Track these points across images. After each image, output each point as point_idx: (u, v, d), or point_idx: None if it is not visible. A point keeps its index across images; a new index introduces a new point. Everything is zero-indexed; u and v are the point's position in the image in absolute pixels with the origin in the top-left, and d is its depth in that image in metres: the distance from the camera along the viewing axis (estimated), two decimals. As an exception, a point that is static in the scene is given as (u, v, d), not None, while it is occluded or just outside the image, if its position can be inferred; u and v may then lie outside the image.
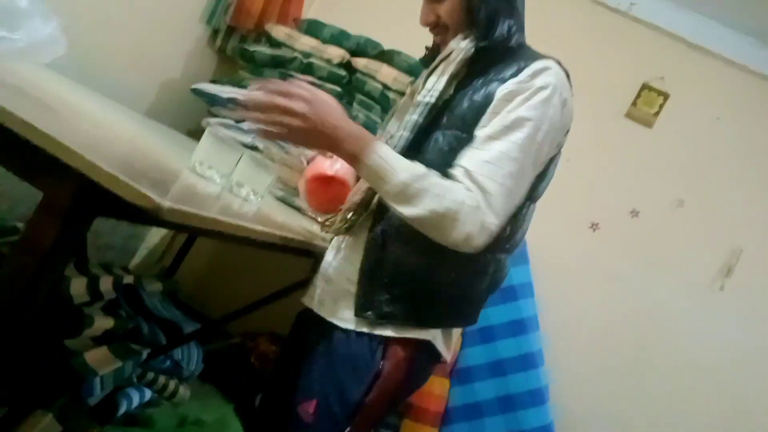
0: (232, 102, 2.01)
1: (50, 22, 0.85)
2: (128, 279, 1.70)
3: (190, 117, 2.24)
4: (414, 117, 1.01)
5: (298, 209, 1.78)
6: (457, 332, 1.14)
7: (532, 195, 1.03)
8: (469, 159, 0.93)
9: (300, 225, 1.39)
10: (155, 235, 2.34)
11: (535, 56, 0.99)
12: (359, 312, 1.01)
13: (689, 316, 2.25)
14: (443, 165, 0.94)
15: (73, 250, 0.69)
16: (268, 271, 2.03)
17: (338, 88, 2.09)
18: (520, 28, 1.05)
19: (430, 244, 0.92)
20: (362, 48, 2.14)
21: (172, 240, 2.34)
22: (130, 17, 1.88)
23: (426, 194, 0.88)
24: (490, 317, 2.11)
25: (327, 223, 1.11)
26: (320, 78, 2.08)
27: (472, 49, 1.02)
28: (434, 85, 1.02)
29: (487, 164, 0.91)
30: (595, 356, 2.28)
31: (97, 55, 1.80)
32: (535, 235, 2.20)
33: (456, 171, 0.93)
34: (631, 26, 2.39)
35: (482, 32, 1.02)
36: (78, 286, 1.41)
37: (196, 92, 2.10)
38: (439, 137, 0.99)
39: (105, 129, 1.06)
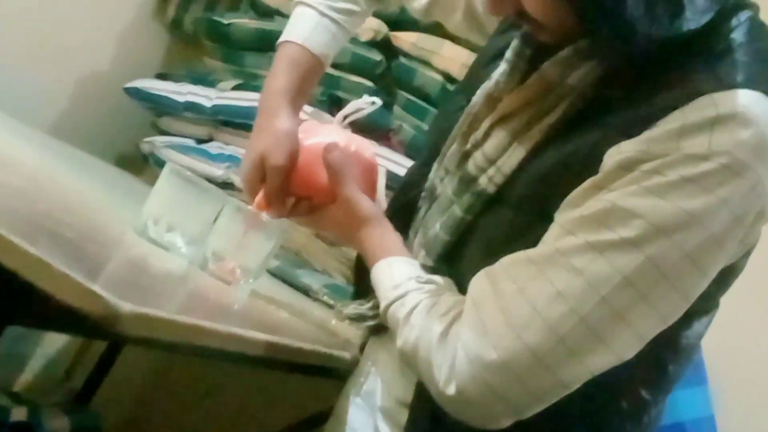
0: (193, 109, 1.58)
1: None
2: (18, 413, 1.41)
3: (121, 136, 1.81)
4: (457, 212, 0.77)
5: (305, 291, 1.36)
6: None
7: (690, 317, 0.75)
8: (511, 256, 0.71)
9: (311, 319, 1.20)
10: (57, 335, 1.71)
11: (717, 73, 0.64)
12: None
13: None
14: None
15: None
16: (252, 404, 1.58)
17: (369, 82, 1.55)
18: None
19: None
20: (409, 16, 1.57)
21: (87, 343, 1.73)
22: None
23: (398, 323, 0.76)
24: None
25: (351, 312, 0.91)
26: (339, 67, 1.53)
27: (590, 80, 0.71)
28: (501, 158, 0.75)
29: (527, 264, 0.68)
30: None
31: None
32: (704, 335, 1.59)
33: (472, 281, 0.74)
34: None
35: (603, 34, 0.67)
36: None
37: (133, 93, 1.69)
38: (493, 219, 0.76)
39: (9, 173, 0.91)
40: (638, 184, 0.64)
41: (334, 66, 1.40)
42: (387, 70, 1.54)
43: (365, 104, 0.97)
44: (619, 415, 0.78)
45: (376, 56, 1.51)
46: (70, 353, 1.75)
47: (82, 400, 1.64)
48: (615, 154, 0.66)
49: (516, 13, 0.71)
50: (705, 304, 0.77)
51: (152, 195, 0.95)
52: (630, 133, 0.65)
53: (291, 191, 0.90)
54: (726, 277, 0.76)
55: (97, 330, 0.51)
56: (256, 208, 0.90)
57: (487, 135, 0.78)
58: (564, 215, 0.68)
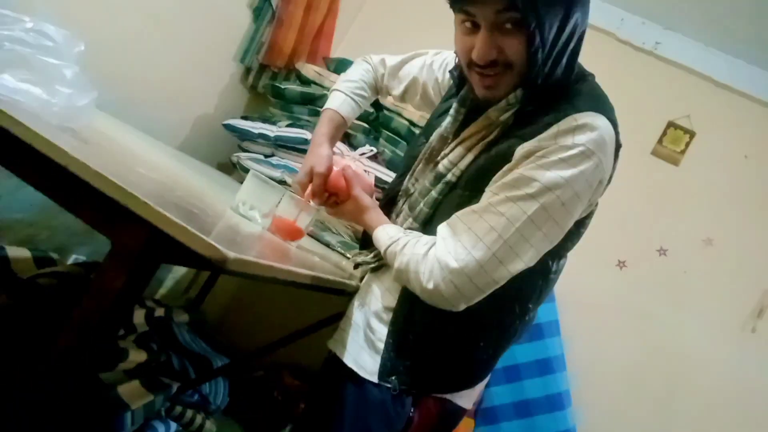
0: (263, 137, 2.07)
1: (89, 95, 0.90)
2: (159, 312, 1.73)
3: (220, 151, 2.29)
4: (434, 195, 1.02)
5: (327, 245, 1.81)
6: (482, 382, 1.13)
7: (559, 253, 1.01)
8: (462, 210, 0.93)
9: (331, 261, 1.41)
10: (183, 267, 2.33)
11: (575, 106, 0.90)
12: (383, 377, 1.01)
13: (720, 358, 2.21)
14: None
15: (140, 293, 0.70)
16: (295, 305, 2.03)
17: (365, 125, 2.12)
18: (573, 66, 0.95)
19: (464, 310, 0.93)
20: (388, 91, 2.15)
21: (199, 271, 2.35)
22: (169, 56, 1.94)
23: (395, 255, 0.96)
24: (516, 355, 2.09)
25: (358, 259, 1.14)
26: None
27: (512, 118, 0.96)
28: (459, 162, 1.00)
29: (471, 213, 0.91)
30: (624, 397, 2.23)
31: (136, 90, 1.86)
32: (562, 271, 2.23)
33: (440, 226, 0.95)
34: (657, 65, 2.41)
35: (530, 89, 0.93)
36: (114, 319, 1.42)
37: (228, 127, 2.17)
38: (453, 196, 1.00)
39: (157, 171, 1.10)
40: (534, 163, 0.87)
41: (346, 115, 2.09)
42: (376, 118, 2.12)
43: (368, 150, 1.55)
44: (512, 314, 1.02)
45: (370, 110, 2.07)
46: (188, 277, 2.38)
47: (196, 304, 2.26)
48: (520, 149, 0.90)
49: (492, 63, 0.92)
50: (563, 251, 1.04)
51: (242, 187, 1.22)
52: (529, 138, 0.90)
53: (326, 190, 1.18)
54: (578, 229, 1.02)
55: (212, 266, 0.62)
56: (305, 199, 1.18)
57: (451, 150, 1.02)
58: (492, 186, 0.91)
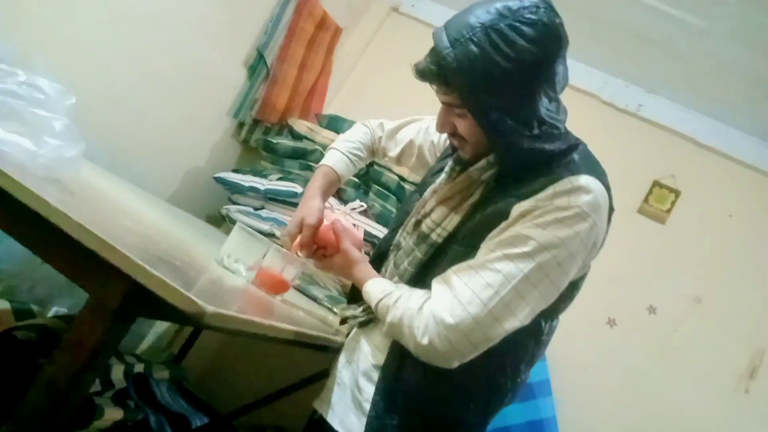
0: (253, 190, 2.08)
1: (77, 146, 0.91)
2: (138, 367, 1.68)
3: (210, 204, 2.29)
4: (418, 255, 1.02)
5: (314, 299, 1.79)
6: None
7: (551, 314, 1.01)
8: (458, 265, 0.93)
9: (317, 316, 1.40)
10: (164, 322, 2.27)
11: (570, 169, 0.92)
12: None
13: (714, 419, 2.15)
14: None
15: (114, 350, 0.68)
16: (280, 362, 2.01)
17: (356, 179, 2.14)
18: (552, 136, 0.94)
19: (456, 370, 0.92)
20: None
21: (182, 326, 2.31)
22: (163, 110, 1.96)
23: (388, 308, 0.95)
24: (507, 417, 2.02)
25: (347, 313, 1.12)
26: None
27: (493, 177, 0.98)
28: (443, 222, 1.00)
29: (468, 268, 0.91)
30: (618, 461, 2.15)
31: (129, 143, 1.88)
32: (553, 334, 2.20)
33: (434, 280, 0.95)
34: (641, 126, 2.47)
35: (501, 157, 0.96)
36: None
37: (219, 180, 2.18)
38: (449, 252, 0.99)
39: (143, 224, 1.10)
40: (531, 222, 0.88)
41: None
42: (366, 173, 2.14)
43: (358, 206, 1.59)
44: (504, 375, 1.01)
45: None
46: (170, 332, 2.34)
47: (177, 360, 2.19)
48: (517, 208, 0.90)
49: (451, 134, 0.99)
50: (555, 312, 1.02)
51: (228, 240, 1.22)
52: (526, 198, 0.90)
53: (315, 243, 1.17)
54: (571, 291, 1.01)
55: (190, 321, 0.62)
56: (293, 250, 1.17)
57: (431, 210, 1.03)
58: (488, 243, 0.91)
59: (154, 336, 2.30)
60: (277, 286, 1.21)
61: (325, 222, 1.19)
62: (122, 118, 1.82)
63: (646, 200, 2.41)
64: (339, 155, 1.32)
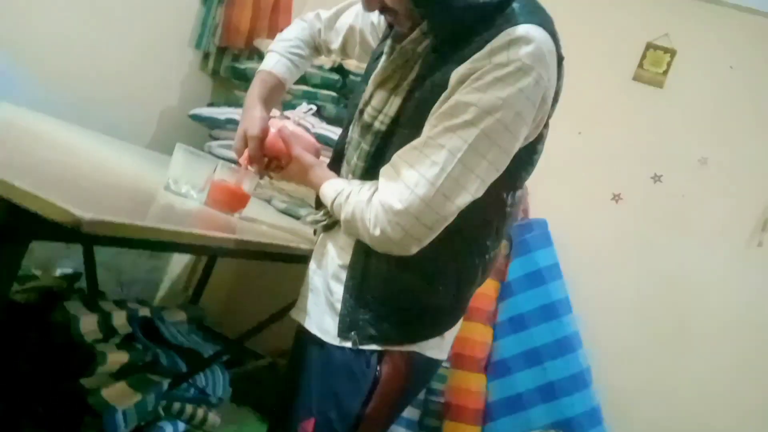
0: (231, 122, 2.02)
1: None
2: (144, 311, 1.70)
3: (191, 143, 2.14)
4: (365, 147, 0.98)
5: (298, 218, 1.77)
6: (452, 331, 1.08)
7: (513, 184, 0.97)
8: (402, 149, 0.90)
9: (285, 229, 1.38)
10: (176, 264, 2.34)
11: (509, 20, 0.84)
12: (343, 333, 0.98)
13: (729, 276, 2.15)
14: None
15: (12, 276, 0.70)
16: (293, 286, 1.98)
17: (334, 93, 2.07)
18: None
19: (419, 256, 0.90)
20: (350, 52, 2.09)
21: (194, 267, 2.34)
22: (119, 50, 1.87)
23: (341, 206, 0.94)
24: (519, 305, 2.06)
25: (309, 219, 1.10)
26: (315, 86, 2.06)
27: (429, 47, 0.92)
28: (384, 108, 0.95)
29: (411, 149, 0.88)
30: (635, 331, 2.18)
31: (90, 91, 1.80)
32: (556, 213, 2.19)
33: (382, 168, 0.92)
34: (628, -15, 2.31)
35: (433, 22, 0.90)
36: (89, 324, 1.40)
37: (195, 117, 2.12)
38: (395, 138, 0.95)
39: (83, 161, 1.06)
40: (469, 87, 0.82)
41: (313, 86, 2.03)
42: (344, 85, 2.06)
43: (308, 108, 1.43)
44: (471, 254, 0.99)
45: (335, 77, 2.04)
46: (184, 274, 2.37)
47: (193, 301, 2.25)
48: (455, 75, 0.84)
49: (380, 10, 0.93)
50: (519, 182, 0.98)
51: (171, 164, 1.15)
52: (463, 61, 0.84)
53: (265, 154, 1.11)
54: (530, 156, 0.96)
55: (79, 234, 0.59)
56: (243, 165, 1.11)
57: (371, 96, 0.97)
58: (430, 118, 0.87)
59: (169, 281, 2.34)
60: (233, 202, 1.16)
61: (272, 131, 1.12)
62: (77, 65, 1.74)
63: (640, 65, 2.29)
64: (276, 57, 1.25)
